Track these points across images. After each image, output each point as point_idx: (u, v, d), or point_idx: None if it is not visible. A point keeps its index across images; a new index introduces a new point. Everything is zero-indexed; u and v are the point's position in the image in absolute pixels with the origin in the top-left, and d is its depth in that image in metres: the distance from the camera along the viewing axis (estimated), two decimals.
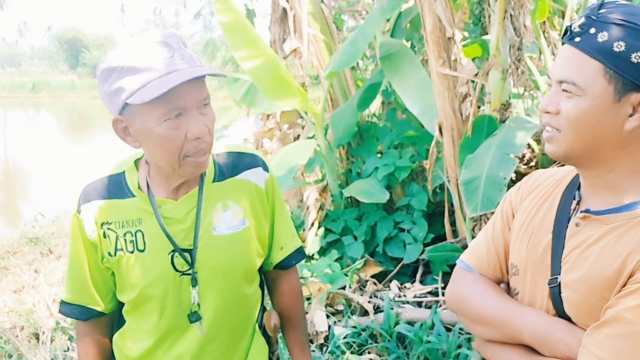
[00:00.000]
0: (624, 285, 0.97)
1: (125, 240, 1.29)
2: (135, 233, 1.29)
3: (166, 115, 1.16)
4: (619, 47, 0.94)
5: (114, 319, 1.44)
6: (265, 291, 1.56)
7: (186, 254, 1.29)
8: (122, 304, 1.40)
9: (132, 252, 1.29)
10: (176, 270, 1.30)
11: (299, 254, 1.52)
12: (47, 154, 15.05)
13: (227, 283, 1.35)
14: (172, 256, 1.29)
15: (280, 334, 1.55)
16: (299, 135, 5.48)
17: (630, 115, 0.97)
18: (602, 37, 0.96)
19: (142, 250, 1.29)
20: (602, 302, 0.99)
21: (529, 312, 1.11)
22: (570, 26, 1.01)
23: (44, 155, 14.88)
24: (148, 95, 1.12)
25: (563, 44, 1.03)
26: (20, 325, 3.63)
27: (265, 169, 1.42)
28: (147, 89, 1.13)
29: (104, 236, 1.31)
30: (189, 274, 1.30)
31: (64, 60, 62.01)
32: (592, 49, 0.97)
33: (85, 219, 1.31)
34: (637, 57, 0.93)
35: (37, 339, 3.46)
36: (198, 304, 1.32)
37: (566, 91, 1.00)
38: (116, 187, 1.32)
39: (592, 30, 0.97)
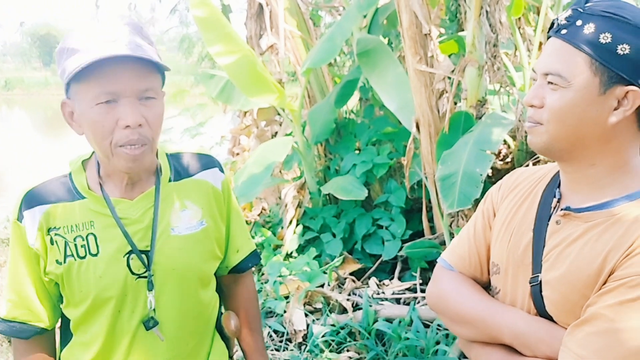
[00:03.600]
0: (604, 283, 0.96)
1: (75, 245, 1.22)
2: (87, 237, 1.22)
3: (98, 98, 1.13)
4: (605, 38, 0.93)
5: (55, 336, 1.36)
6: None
7: (143, 256, 1.24)
8: (66, 319, 1.31)
9: (83, 258, 1.22)
10: (132, 273, 1.24)
11: (255, 257, 1.49)
12: (20, 152, 14.74)
13: (184, 287, 1.30)
14: (128, 258, 1.23)
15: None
16: (276, 132, 5.45)
17: (615, 109, 0.96)
18: (589, 29, 0.95)
19: (95, 254, 1.22)
20: (583, 301, 0.98)
21: (509, 312, 1.10)
22: (557, 19, 1.01)
23: (17, 153, 14.57)
24: (76, 70, 1.09)
25: (549, 37, 1.03)
26: None
27: (221, 170, 1.40)
28: (81, 66, 1.10)
29: (52, 243, 1.22)
30: (145, 277, 1.25)
31: (37, 57, 60.86)
32: (578, 41, 0.96)
33: (28, 227, 1.23)
34: (623, 49, 0.93)
35: (9, 341, 3.38)
36: (154, 310, 1.26)
37: (551, 83, 0.99)
38: (62, 190, 1.25)
39: (579, 22, 0.96)
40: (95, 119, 1.14)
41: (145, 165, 1.23)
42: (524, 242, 1.11)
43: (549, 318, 1.05)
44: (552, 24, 1.02)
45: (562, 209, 1.05)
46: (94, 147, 1.22)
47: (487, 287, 1.23)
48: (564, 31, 0.98)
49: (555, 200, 1.09)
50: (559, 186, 1.10)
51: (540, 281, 1.06)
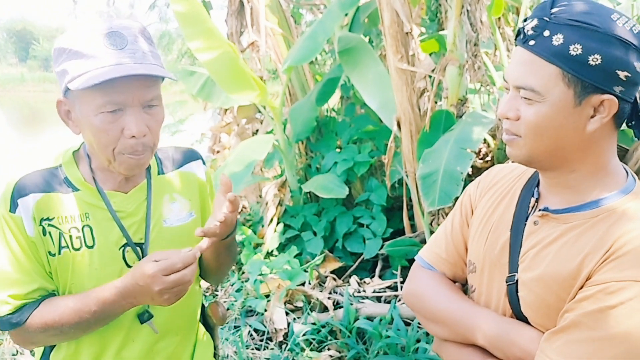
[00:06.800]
0: (581, 287, 0.95)
1: (70, 236, 1.20)
2: (83, 228, 1.21)
3: (103, 108, 1.12)
4: (576, 50, 0.91)
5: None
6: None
7: (138, 249, 1.25)
8: None
9: (78, 249, 1.20)
10: (128, 265, 1.24)
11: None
12: None
13: None
14: (124, 251, 1.24)
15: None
16: (257, 130, 5.42)
17: (592, 117, 0.95)
18: (557, 40, 0.92)
19: (91, 246, 1.21)
20: (559, 303, 0.98)
21: (483, 314, 1.09)
22: (523, 28, 0.97)
23: None
24: (85, 83, 1.08)
25: (516, 45, 1.00)
26: None
27: (204, 162, 1.43)
28: (87, 77, 1.09)
29: (44, 234, 1.19)
30: None
31: (13, 53, 59.68)
32: (548, 53, 0.93)
33: (24, 216, 1.17)
34: (595, 60, 0.90)
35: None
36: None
37: (525, 98, 0.97)
38: (55, 181, 1.23)
39: (546, 33, 0.93)
40: (100, 127, 1.14)
41: (145, 167, 1.25)
42: (501, 242, 1.10)
43: (524, 319, 1.04)
44: (519, 32, 0.99)
45: (540, 210, 1.05)
46: (94, 150, 1.21)
47: (464, 284, 1.23)
48: (532, 42, 0.95)
49: (533, 200, 1.08)
50: (537, 185, 1.09)
51: (517, 281, 1.05)
